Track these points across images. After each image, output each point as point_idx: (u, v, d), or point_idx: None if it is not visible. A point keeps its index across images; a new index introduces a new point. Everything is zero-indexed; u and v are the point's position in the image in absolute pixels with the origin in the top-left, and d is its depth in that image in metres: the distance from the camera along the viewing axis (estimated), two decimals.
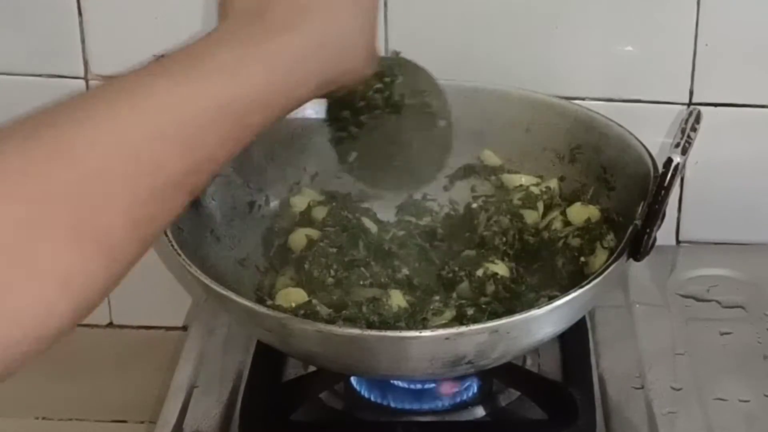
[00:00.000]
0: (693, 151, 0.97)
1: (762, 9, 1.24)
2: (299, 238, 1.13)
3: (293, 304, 1.02)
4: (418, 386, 1.09)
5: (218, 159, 0.75)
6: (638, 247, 0.98)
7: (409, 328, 0.99)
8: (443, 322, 1.01)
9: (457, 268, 1.08)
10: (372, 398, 1.09)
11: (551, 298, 0.96)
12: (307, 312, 1.00)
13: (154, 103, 0.71)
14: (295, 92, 0.81)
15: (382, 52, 0.92)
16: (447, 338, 0.91)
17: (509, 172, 1.19)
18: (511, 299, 1.05)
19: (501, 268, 1.07)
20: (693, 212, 1.33)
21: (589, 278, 0.96)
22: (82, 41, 1.30)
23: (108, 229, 0.67)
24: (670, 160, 0.94)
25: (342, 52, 0.84)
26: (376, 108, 1.03)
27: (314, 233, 1.13)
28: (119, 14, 1.29)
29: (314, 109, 1.19)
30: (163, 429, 1.08)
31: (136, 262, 0.70)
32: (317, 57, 0.81)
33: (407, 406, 1.09)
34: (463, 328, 0.91)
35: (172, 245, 0.98)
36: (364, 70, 0.91)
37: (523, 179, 1.17)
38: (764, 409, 1.09)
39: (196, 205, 1.09)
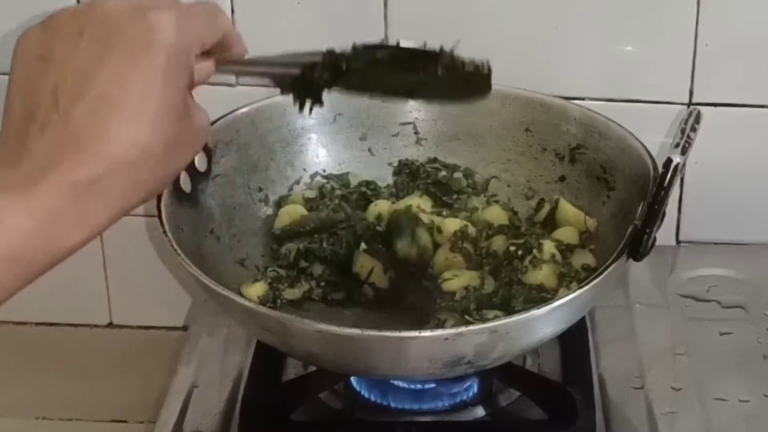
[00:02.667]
0: (693, 151, 0.97)
1: (762, 9, 1.24)
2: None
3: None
4: (418, 386, 1.09)
5: None
6: (638, 247, 0.98)
7: None
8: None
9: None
10: (372, 398, 1.09)
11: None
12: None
13: None
14: (49, 249, 0.66)
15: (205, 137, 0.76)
16: (446, 338, 0.91)
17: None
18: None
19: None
20: (693, 212, 1.33)
21: (589, 278, 0.96)
22: None
23: None
24: (669, 161, 0.94)
25: (126, 178, 0.67)
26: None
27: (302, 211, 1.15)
28: None
29: (314, 109, 1.19)
30: (163, 429, 1.08)
31: None
32: (83, 201, 0.66)
33: (407, 406, 1.09)
34: (462, 329, 0.91)
35: (172, 245, 0.98)
36: (186, 160, 0.74)
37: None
38: (764, 409, 1.09)
39: (196, 205, 1.09)
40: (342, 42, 1.27)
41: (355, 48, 0.89)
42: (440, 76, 0.94)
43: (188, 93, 0.71)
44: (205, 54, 0.75)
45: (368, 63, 0.91)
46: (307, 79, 0.88)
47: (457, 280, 1.07)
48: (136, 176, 0.67)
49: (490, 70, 0.98)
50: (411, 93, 0.95)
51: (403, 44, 0.92)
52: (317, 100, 0.90)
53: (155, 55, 0.67)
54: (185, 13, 0.70)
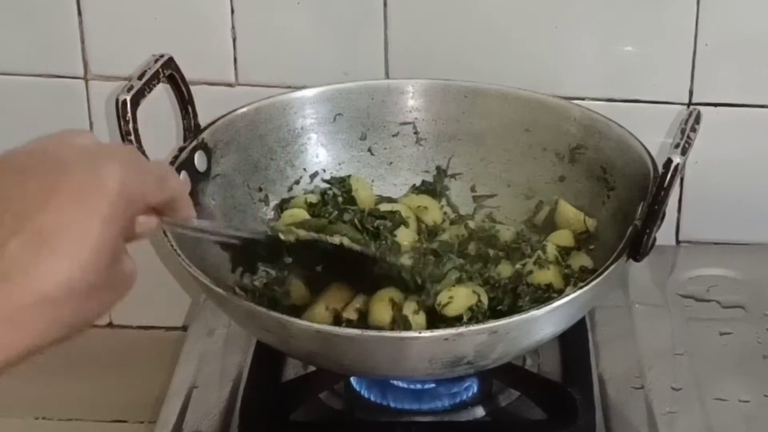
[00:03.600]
0: (693, 151, 0.97)
1: (762, 9, 1.24)
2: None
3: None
4: (418, 386, 1.09)
5: None
6: (638, 247, 0.98)
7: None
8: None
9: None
10: (372, 398, 1.09)
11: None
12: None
13: None
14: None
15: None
16: (446, 339, 0.91)
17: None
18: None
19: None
20: (693, 212, 1.33)
21: (589, 278, 0.96)
22: (82, 41, 1.30)
23: None
24: (669, 161, 0.94)
25: (48, 313, 0.68)
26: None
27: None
28: (119, 14, 1.29)
29: (314, 109, 1.20)
30: (163, 429, 1.08)
31: None
32: (12, 322, 0.67)
33: (407, 406, 1.09)
34: (462, 329, 0.91)
35: (172, 245, 0.98)
36: (112, 302, 0.76)
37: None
38: (764, 409, 1.09)
39: (196, 205, 1.09)
40: (342, 43, 1.28)
41: (297, 241, 0.98)
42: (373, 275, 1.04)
43: (121, 242, 0.72)
44: (152, 211, 0.78)
45: (305, 257, 1.00)
46: (247, 250, 0.96)
47: (456, 302, 1.04)
48: (58, 313, 0.68)
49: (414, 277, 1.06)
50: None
51: (346, 245, 1.01)
52: (251, 270, 1.03)
53: (98, 202, 0.70)
54: (135, 168, 0.73)
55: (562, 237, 1.12)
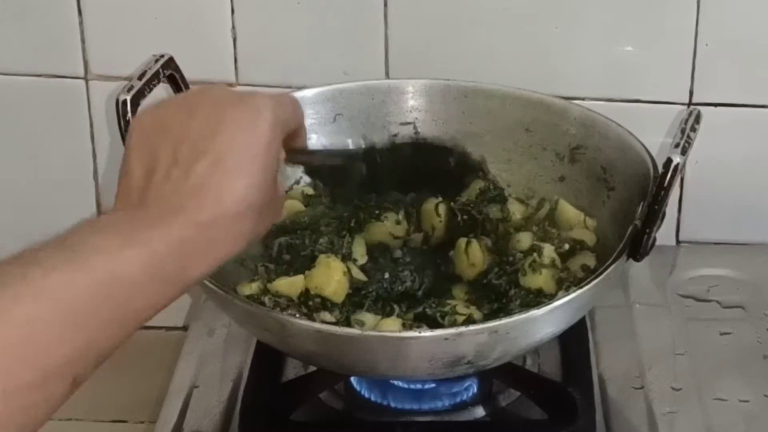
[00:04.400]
0: (693, 151, 0.97)
1: (762, 9, 1.24)
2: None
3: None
4: (418, 386, 1.09)
5: (101, 345, 0.73)
6: (638, 247, 0.98)
7: None
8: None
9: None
10: (372, 398, 1.09)
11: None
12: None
13: (28, 290, 0.67)
14: (181, 275, 0.75)
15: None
16: (446, 338, 0.91)
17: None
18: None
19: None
20: (693, 212, 1.33)
21: (589, 278, 0.96)
22: (82, 41, 1.30)
23: None
24: (669, 161, 0.94)
25: (236, 225, 0.78)
26: None
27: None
28: (119, 14, 1.29)
29: (314, 109, 1.20)
30: (163, 429, 1.08)
31: None
32: (205, 238, 0.76)
33: (407, 406, 1.09)
34: (462, 329, 0.91)
35: None
36: (272, 221, 0.85)
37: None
38: (764, 409, 1.09)
39: None
40: (342, 43, 1.29)
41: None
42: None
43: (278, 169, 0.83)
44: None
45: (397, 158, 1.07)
46: (347, 168, 1.03)
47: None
48: (242, 225, 0.78)
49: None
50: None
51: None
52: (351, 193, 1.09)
53: (261, 129, 0.80)
54: (278, 100, 0.83)
55: (578, 231, 1.12)
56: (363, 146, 1.06)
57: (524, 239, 1.10)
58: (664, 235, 1.04)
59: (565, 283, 1.06)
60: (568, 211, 1.14)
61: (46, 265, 0.69)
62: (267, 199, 0.80)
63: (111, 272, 0.71)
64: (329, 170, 1.05)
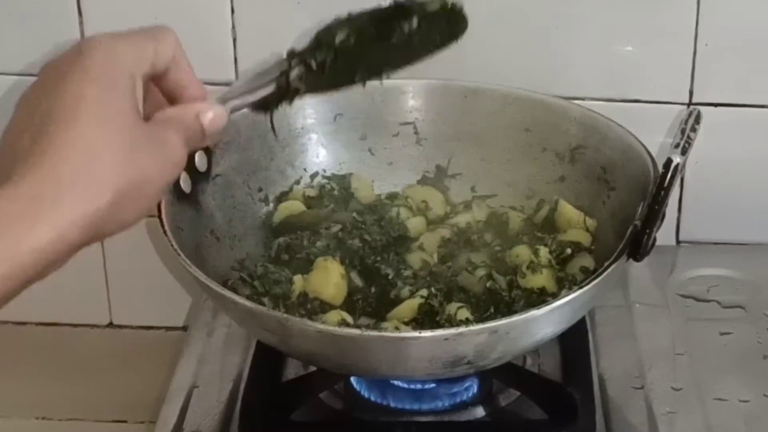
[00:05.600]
0: (693, 151, 0.97)
1: (762, 9, 1.24)
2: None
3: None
4: (418, 386, 1.09)
5: None
6: (638, 247, 0.98)
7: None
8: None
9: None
10: (372, 398, 1.09)
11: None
12: None
13: None
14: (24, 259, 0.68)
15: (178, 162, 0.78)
16: (446, 339, 0.91)
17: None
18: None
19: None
20: (693, 212, 1.33)
21: (589, 278, 0.96)
22: None
23: None
24: (669, 161, 0.94)
25: (81, 194, 0.71)
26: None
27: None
28: (119, 14, 1.29)
29: (314, 109, 1.19)
30: (163, 429, 1.08)
31: None
32: (38, 221, 0.69)
33: (407, 406, 1.09)
34: (462, 329, 0.91)
35: (172, 245, 0.98)
36: (152, 182, 0.76)
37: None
38: (764, 409, 1.09)
39: (196, 205, 1.09)
40: None
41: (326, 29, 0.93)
42: (416, 28, 0.95)
43: (135, 113, 0.75)
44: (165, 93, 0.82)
45: (341, 41, 0.92)
46: (283, 89, 0.90)
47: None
48: (107, 170, 0.72)
49: (460, 6, 0.98)
50: (390, 61, 0.95)
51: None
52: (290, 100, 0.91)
53: (97, 77, 0.76)
54: (120, 38, 0.79)
55: (575, 234, 1.12)
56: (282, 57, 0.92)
57: (522, 252, 1.10)
58: (664, 235, 1.04)
59: (566, 282, 1.06)
60: (569, 211, 1.14)
61: None
62: (137, 138, 0.74)
63: None
64: (268, 100, 0.91)
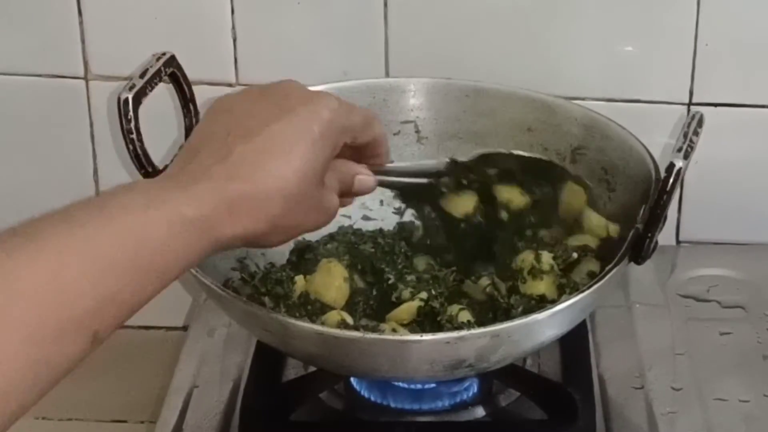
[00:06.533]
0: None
1: (762, 9, 1.24)
2: None
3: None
4: (418, 386, 1.09)
5: (123, 300, 0.73)
6: (639, 250, 0.98)
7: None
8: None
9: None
10: (372, 398, 1.09)
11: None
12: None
13: (54, 243, 0.69)
14: (205, 237, 0.79)
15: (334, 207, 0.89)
16: (448, 342, 0.91)
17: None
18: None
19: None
20: (693, 212, 1.33)
21: (591, 282, 0.96)
22: (82, 41, 1.30)
23: (2, 371, 0.65)
24: (672, 165, 0.94)
25: (262, 206, 0.81)
26: None
27: None
28: (119, 14, 1.29)
29: None
30: (163, 429, 1.08)
31: (30, 408, 0.68)
32: (229, 209, 0.80)
33: (407, 407, 1.09)
34: (464, 332, 0.91)
35: None
36: (314, 224, 0.89)
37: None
38: (764, 409, 1.09)
39: None
40: (342, 43, 1.28)
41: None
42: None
43: (327, 170, 0.87)
44: (357, 154, 0.93)
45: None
46: (433, 185, 1.09)
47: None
48: (269, 208, 0.81)
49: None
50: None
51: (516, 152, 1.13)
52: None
53: (311, 124, 0.84)
54: (346, 106, 0.88)
55: (587, 239, 1.12)
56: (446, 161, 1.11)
57: (527, 257, 1.09)
58: (664, 235, 1.04)
59: (567, 289, 1.05)
60: (593, 217, 1.12)
61: (73, 221, 0.72)
62: (305, 195, 0.84)
63: (135, 229, 0.74)
64: (414, 188, 1.10)
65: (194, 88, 1.12)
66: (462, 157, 1.12)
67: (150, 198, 0.76)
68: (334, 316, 1.03)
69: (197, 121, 1.12)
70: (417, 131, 1.22)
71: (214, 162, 0.81)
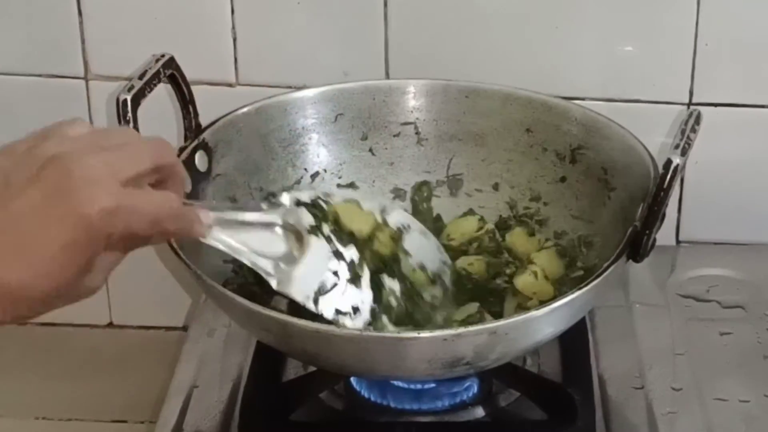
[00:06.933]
0: (693, 151, 0.97)
1: (762, 9, 1.24)
2: None
3: None
4: (418, 386, 1.09)
5: None
6: (638, 248, 0.98)
7: None
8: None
9: None
10: (372, 398, 1.09)
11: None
12: None
13: None
14: None
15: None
16: (445, 339, 0.91)
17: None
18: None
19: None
20: (693, 212, 1.33)
21: (588, 279, 0.96)
22: (82, 41, 1.30)
23: None
24: (669, 162, 0.94)
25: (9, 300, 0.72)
26: None
27: None
28: (119, 14, 1.29)
29: (315, 109, 1.20)
30: (163, 429, 1.08)
31: None
32: None
33: (407, 406, 1.09)
34: (461, 330, 0.91)
35: (172, 245, 0.98)
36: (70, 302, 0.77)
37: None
38: (764, 409, 1.09)
39: None
40: (342, 43, 1.29)
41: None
42: None
43: (92, 260, 0.75)
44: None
45: None
46: None
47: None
48: (11, 305, 0.72)
49: None
50: None
51: None
52: None
53: (64, 225, 0.72)
54: (124, 200, 0.74)
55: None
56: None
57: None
58: (664, 235, 1.04)
59: (564, 287, 1.06)
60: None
61: None
62: (57, 291, 0.73)
63: None
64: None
65: (195, 88, 1.12)
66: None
67: None
68: None
69: (197, 123, 1.12)
70: (417, 133, 1.22)
71: None
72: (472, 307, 1.06)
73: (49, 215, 0.71)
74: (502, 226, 1.19)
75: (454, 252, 1.14)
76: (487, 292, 1.10)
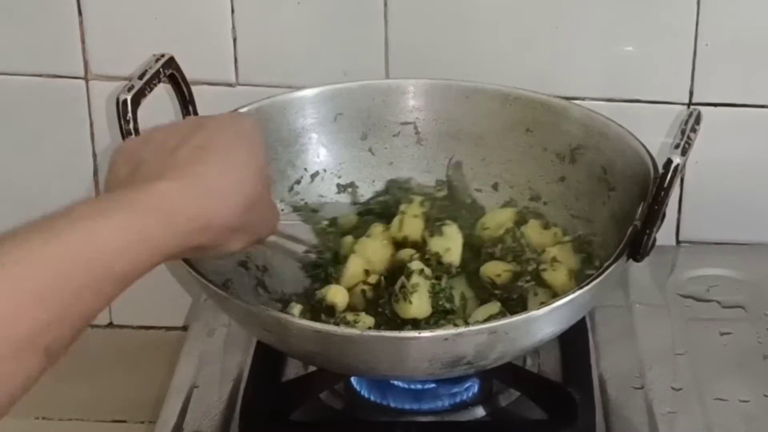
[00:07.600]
0: (693, 151, 0.97)
1: (762, 9, 1.24)
2: None
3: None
4: (418, 386, 1.09)
5: (76, 313, 0.70)
6: (638, 247, 0.98)
7: None
8: None
9: None
10: (372, 398, 1.10)
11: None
12: None
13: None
14: (164, 236, 0.76)
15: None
16: (446, 339, 0.91)
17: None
18: None
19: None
20: (693, 212, 1.33)
21: (589, 279, 0.96)
22: (82, 41, 1.30)
23: None
24: (669, 161, 0.94)
25: (218, 199, 0.81)
26: None
27: None
28: (119, 14, 1.29)
29: (315, 109, 1.20)
30: (163, 429, 1.08)
31: None
32: (186, 202, 0.78)
33: (407, 406, 1.09)
34: (462, 329, 0.91)
35: None
36: (258, 235, 0.90)
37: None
38: (764, 409, 1.09)
39: None
40: (342, 43, 1.29)
41: None
42: None
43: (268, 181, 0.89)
44: None
45: None
46: None
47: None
48: (224, 205, 0.81)
49: None
50: None
51: None
52: None
53: (252, 135, 0.88)
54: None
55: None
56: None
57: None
58: (664, 235, 1.04)
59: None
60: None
61: (22, 235, 0.69)
62: (255, 198, 0.84)
63: (90, 237, 0.71)
64: None
65: (195, 88, 1.12)
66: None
67: (104, 206, 0.75)
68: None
69: None
70: (417, 132, 1.22)
71: (158, 166, 0.80)
72: (494, 307, 1.06)
73: (230, 130, 0.85)
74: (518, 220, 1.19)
75: (482, 245, 1.14)
76: (509, 292, 1.10)
